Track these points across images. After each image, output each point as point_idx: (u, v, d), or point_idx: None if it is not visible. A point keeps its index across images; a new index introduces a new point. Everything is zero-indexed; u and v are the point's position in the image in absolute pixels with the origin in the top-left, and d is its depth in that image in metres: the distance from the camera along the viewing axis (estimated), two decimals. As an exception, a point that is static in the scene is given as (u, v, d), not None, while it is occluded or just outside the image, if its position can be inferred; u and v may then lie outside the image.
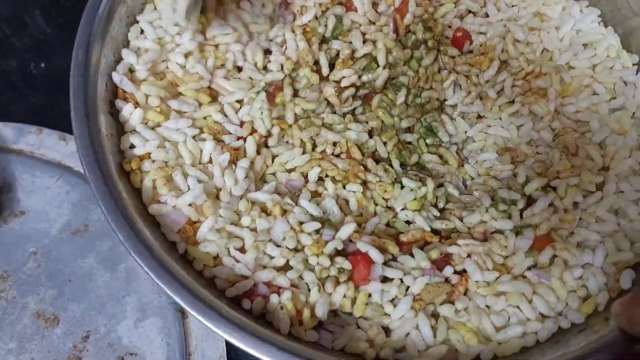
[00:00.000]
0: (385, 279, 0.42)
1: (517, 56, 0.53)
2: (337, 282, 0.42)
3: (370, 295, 0.42)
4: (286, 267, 0.42)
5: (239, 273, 0.41)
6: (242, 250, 0.42)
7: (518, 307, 0.42)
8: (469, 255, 0.44)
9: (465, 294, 0.42)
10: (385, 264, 0.42)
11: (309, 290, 0.41)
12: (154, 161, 0.43)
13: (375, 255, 0.41)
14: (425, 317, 0.41)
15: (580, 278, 0.42)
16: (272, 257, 0.42)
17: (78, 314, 0.47)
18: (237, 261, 0.41)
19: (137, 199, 0.42)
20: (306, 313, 0.40)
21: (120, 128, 0.44)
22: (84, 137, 0.40)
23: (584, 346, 0.39)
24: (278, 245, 0.42)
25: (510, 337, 0.41)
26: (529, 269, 0.43)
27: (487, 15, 0.55)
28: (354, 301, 0.41)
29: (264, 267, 0.42)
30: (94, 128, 0.41)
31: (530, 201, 0.46)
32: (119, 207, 0.39)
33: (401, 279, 0.42)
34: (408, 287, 0.42)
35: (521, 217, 0.46)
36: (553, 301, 0.42)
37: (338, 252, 0.42)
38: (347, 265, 0.41)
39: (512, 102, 0.52)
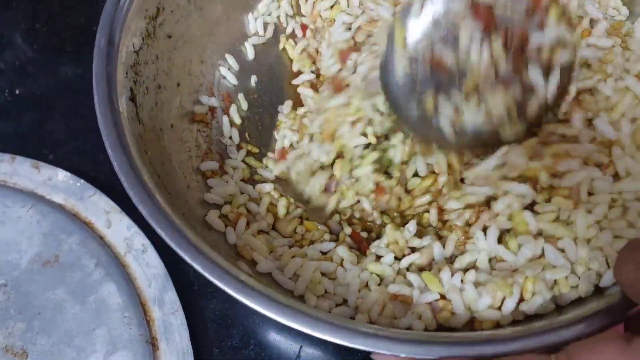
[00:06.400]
0: None
1: None
2: None
3: None
4: None
5: None
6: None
7: None
8: None
9: None
10: None
11: None
12: None
13: None
14: None
15: None
16: None
17: (47, 348, 0.46)
18: None
19: (155, 175, 0.41)
20: None
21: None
22: (107, 119, 0.40)
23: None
24: None
25: None
26: None
27: None
28: None
29: None
30: (115, 110, 0.40)
31: None
32: (141, 184, 0.38)
33: None
34: None
35: None
36: None
37: None
38: None
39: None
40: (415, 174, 0.47)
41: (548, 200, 0.42)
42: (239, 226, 0.45)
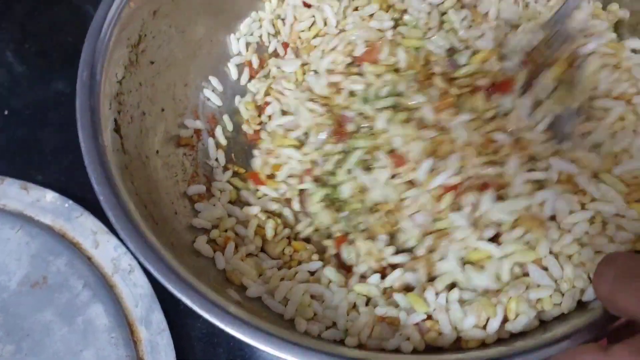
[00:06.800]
0: None
1: None
2: None
3: None
4: None
5: None
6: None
7: None
8: None
9: None
10: None
11: None
12: None
13: None
14: None
15: None
16: None
17: (36, 370, 0.47)
18: None
19: (141, 205, 0.41)
20: None
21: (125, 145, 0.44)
22: (92, 153, 0.40)
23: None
24: None
25: None
26: None
27: None
28: None
29: None
30: (100, 144, 0.41)
31: None
32: (128, 217, 0.38)
33: None
34: None
35: None
36: None
37: None
38: None
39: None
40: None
41: (514, 227, 0.42)
42: (227, 250, 0.45)
